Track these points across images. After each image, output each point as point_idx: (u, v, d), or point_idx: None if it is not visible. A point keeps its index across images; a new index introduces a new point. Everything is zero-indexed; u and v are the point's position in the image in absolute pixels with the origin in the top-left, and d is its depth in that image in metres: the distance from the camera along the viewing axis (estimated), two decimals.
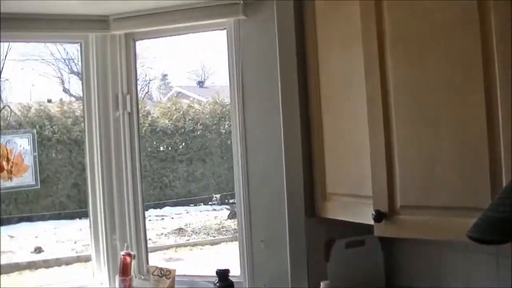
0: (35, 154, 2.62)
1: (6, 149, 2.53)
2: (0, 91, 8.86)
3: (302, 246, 2.26)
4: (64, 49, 10.20)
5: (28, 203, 9.13)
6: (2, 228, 8.79)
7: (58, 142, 8.91)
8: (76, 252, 8.29)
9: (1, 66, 9.38)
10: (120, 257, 2.45)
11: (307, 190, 2.24)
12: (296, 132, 2.24)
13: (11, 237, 8.79)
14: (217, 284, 2.31)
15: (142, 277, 2.56)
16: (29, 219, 9.16)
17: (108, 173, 2.61)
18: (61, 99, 9.98)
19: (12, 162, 2.53)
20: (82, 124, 2.52)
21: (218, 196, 9.90)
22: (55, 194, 9.20)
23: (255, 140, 2.37)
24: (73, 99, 9.98)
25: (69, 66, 10.75)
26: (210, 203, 9.92)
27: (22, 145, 2.58)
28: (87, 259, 7.98)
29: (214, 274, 2.33)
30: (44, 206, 9.23)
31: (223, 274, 2.32)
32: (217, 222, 9.25)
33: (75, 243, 8.63)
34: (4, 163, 2.50)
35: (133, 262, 2.44)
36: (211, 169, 9.82)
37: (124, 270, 2.42)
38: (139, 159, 2.65)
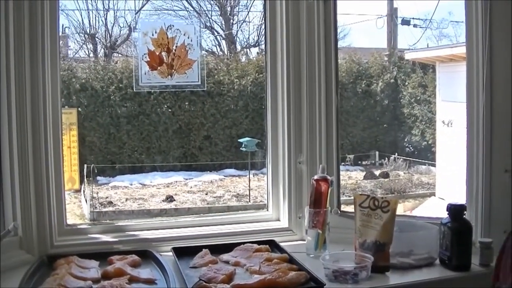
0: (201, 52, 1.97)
1: (167, 37, 1.90)
2: None
3: None
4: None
5: (160, 153, 9.08)
6: (136, 176, 8.89)
7: (191, 94, 8.78)
8: (208, 204, 8.09)
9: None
10: (311, 182, 1.80)
11: None
12: None
13: (143, 185, 8.78)
14: (448, 224, 1.69)
15: (339, 211, 1.91)
16: (161, 169, 9.10)
17: (296, 72, 1.97)
18: None
19: (174, 54, 1.91)
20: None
21: (351, 156, 9.58)
22: (187, 145, 9.12)
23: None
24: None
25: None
26: (343, 163, 9.42)
27: (187, 33, 1.93)
28: (218, 210, 7.98)
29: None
30: (176, 157, 9.14)
31: (457, 211, 1.69)
32: (353, 182, 8.87)
33: (206, 194, 8.46)
34: (164, 54, 1.88)
35: (329, 190, 1.77)
36: (345, 129, 9.41)
37: (317, 200, 1.78)
38: (334, 58, 1.97)
